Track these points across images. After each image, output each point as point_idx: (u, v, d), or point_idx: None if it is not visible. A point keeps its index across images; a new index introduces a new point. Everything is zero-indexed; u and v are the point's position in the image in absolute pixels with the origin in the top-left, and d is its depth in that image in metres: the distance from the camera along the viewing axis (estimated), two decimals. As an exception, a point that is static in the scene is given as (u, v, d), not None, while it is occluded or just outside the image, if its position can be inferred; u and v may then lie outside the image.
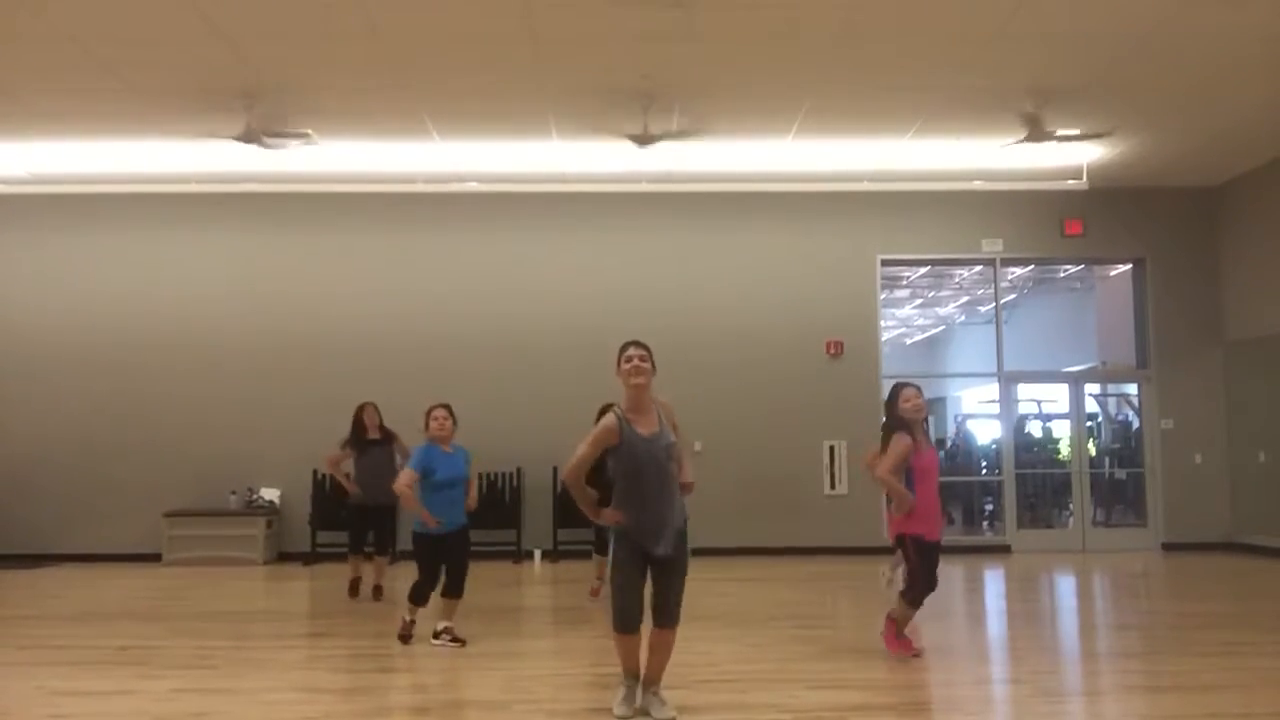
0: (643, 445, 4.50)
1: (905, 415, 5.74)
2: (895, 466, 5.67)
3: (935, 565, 5.85)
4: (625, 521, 4.53)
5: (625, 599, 4.54)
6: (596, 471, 4.68)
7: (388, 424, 8.45)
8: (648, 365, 4.55)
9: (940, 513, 5.93)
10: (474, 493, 6.59)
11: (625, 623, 4.55)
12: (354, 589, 8.15)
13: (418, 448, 6.44)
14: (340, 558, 8.17)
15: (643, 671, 4.70)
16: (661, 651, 4.64)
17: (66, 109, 8.87)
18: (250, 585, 9.33)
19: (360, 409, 8.35)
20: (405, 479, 6.27)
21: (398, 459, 8.15)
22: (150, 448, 11.17)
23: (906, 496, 5.68)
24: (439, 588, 6.32)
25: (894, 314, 20.60)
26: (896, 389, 5.88)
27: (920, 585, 5.79)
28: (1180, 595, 8.69)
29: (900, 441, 5.68)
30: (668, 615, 4.56)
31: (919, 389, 5.83)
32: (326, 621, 7.26)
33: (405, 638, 6.28)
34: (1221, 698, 4.93)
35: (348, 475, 8.26)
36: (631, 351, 4.57)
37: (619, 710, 4.62)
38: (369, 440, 8.21)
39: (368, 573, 8.16)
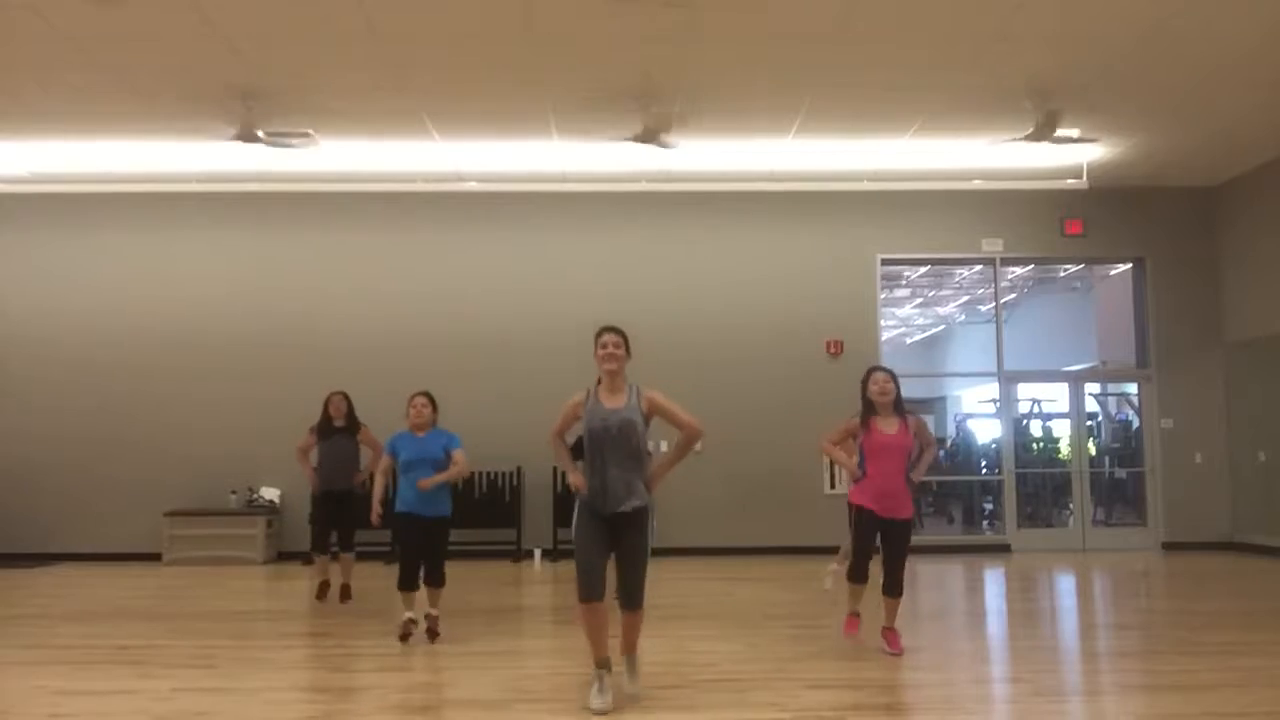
0: (600, 413, 4.73)
1: (871, 398, 5.95)
2: (833, 437, 6.16)
3: (868, 539, 5.99)
4: (584, 485, 4.76)
5: (581, 558, 4.68)
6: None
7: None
8: (621, 351, 4.77)
9: (895, 494, 5.89)
10: (439, 476, 6.32)
11: (583, 586, 4.64)
12: (322, 591, 8.00)
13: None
14: (336, 557, 8.14)
15: (616, 655, 4.83)
16: (631, 630, 4.83)
17: (66, 109, 8.88)
18: (250, 585, 9.32)
19: (328, 397, 8.30)
20: (383, 463, 6.67)
21: (364, 451, 8.12)
22: (150, 447, 11.18)
23: (846, 462, 6.06)
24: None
25: (894, 314, 20.63)
26: (867, 372, 6.10)
27: (855, 556, 6.07)
28: (1180, 595, 8.68)
29: (846, 419, 6.14)
30: (629, 598, 4.71)
31: (890, 374, 6.03)
32: (326, 621, 7.25)
33: (403, 637, 6.31)
34: (1221, 697, 4.93)
35: (315, 468, 8.17)
36: (606, 338, 4.79)
37: (595, 704, 4.61)
38: (333, 428, 8.14)
39: (335, 574, 8.08)
